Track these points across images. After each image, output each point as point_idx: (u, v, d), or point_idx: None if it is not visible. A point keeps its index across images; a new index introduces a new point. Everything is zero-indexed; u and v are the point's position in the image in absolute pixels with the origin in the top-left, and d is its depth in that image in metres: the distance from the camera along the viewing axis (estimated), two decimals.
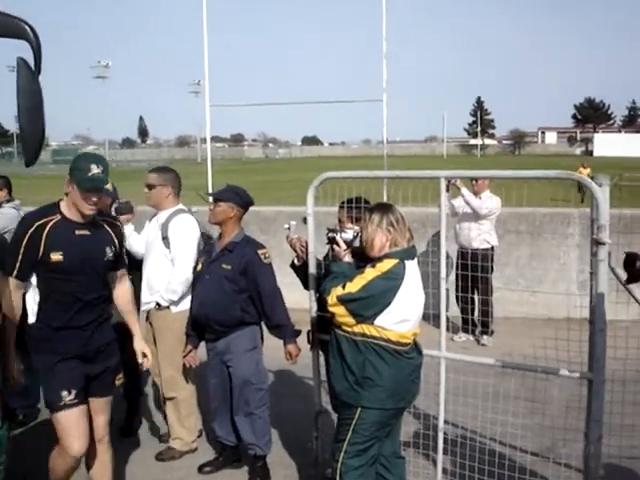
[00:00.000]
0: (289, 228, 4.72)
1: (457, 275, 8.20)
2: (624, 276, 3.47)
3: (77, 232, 3.97)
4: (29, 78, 3.31)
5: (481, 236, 8.38)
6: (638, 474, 4.75)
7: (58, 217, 3.95)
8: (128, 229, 5.52)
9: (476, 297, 8.37)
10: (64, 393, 3.94)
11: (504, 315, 8.78)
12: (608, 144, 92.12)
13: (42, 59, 3.40)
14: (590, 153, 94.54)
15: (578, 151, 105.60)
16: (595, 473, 3.84)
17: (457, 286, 8.02)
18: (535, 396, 5.04)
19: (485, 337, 8.47)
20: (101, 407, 4.22)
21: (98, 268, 4.10)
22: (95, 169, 3.87)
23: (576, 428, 4.43)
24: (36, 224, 3.90)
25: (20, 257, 3.90)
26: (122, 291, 4.42)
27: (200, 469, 5.14)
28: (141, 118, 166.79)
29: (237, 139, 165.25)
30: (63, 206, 4.00)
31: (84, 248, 3.98)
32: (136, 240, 5.61)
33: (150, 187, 5.33)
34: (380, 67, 10.44)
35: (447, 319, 4.44)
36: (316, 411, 4.77)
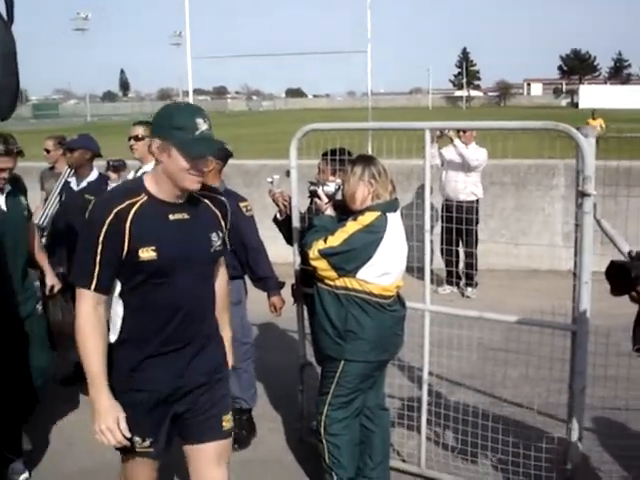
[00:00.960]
0: (272, 182, 4.65)
1: (442, 227, 8.19)
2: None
3: (172, 217, 2.87)
4: (1, 27, 3.20)
5: (468, 188, 8.34)
6: (620, 424, 4.81)
7: (144, 198, 2.83)
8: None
9: (461, 249, 8.37)
10: (136, 439, 2.91)
11: (488, 267, 8.79)
12: (594, 96, 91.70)
13: (14, 7, 3.28)
14: (576, 105, 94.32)
15: (564, 103, 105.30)
16: (579, 423, 3.87)
17: (442, 239, 8.02)
18: (519, 348, 5.05)
19: (469, 289, 8.50)
20: (209, 457, 3.09)
21: (204, 264, 3.03)
22: (203, 125, 2.80)
23: (560, 379, 4.46)
24: (115, 210, 2.75)
25: (97, 259, 2.74)
26: (217, 284, 3.26)
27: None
28: (122, 71, 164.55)
29: (220, 91, 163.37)
30: (149, 182, 2.88)
31: (184, 238, 2.89)
32: None
33: (137, 139, 5.31)
34: (365, 17, 10.28)
35: (431, 272, 4.41)
36: (300, 364, 4.77)
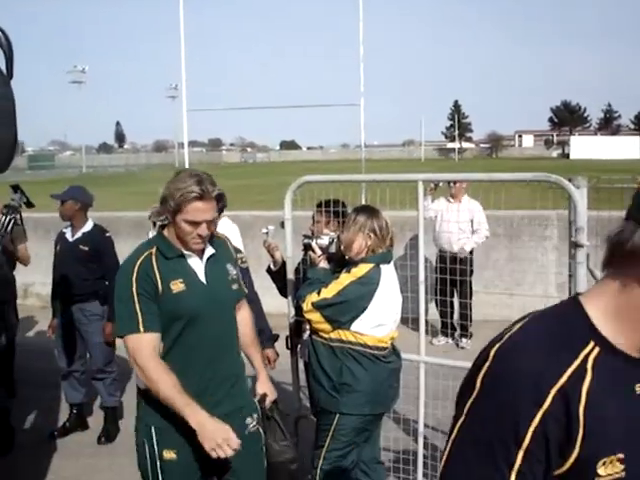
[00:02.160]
0: (267, 232, 4.67)
1: (436, 279, 8.20)
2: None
3: None
4: (0, 82, 3.23)
5: (461, 240, 8.39)
6: None
7: None
8: None
9: (455, 300, 8.36)
10: None
11: (483, 318, 8.77)
12: (584, 147, 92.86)
13: (14, 63, 3.32)
14: (567, 156, 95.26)
15: (555, 154, 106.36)
16: None
17: (436, 290, 8.02)
18: None
19: (464, 340, 8.47)
20: None
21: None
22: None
23: None
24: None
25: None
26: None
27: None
28: (118, 123, 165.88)
29: (215, 144, 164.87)
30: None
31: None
32: None
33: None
34: (358, 71, 10.42)
35: (426, 322, 4.40)
36: (295, 417, 4.72)
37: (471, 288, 8.41)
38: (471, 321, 8.42)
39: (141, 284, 2.91)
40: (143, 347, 2.89)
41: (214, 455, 2.79)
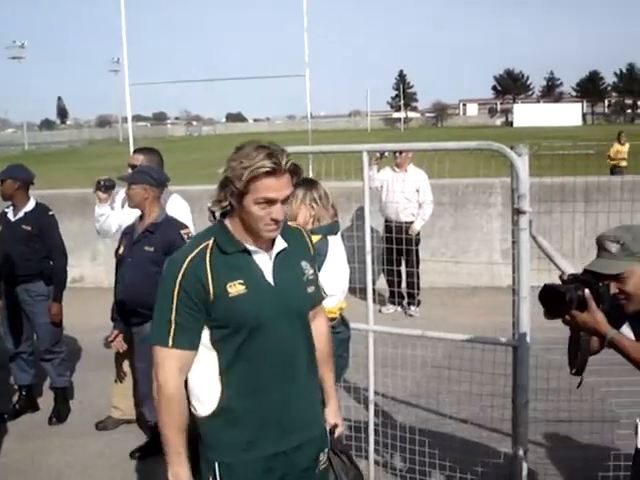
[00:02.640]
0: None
1: (383, 249, 8.27)
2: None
3: None
4: None
5: (408, 210, 8.45)
6: (564, 435, 4.89)
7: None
8: (104, 209, 5.57)
9: (403, 269, 8.45)
10: None
11: (430, 286, 8.89)
12: (527, 114, 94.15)
13: None
14: (510, 124, 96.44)
15: (499, 122, 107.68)
16: (523, 437, 3.92)
17: (383, 259, 8.09)
18: (462, 365, 5.11)
19: (412, 308, 8.58)
20: None
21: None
22: None
23: (503, 394, 4.52)
24: None
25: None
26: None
27: (131, 455, 5.05)
28: (59, 98, 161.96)
29: (159, 117, 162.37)
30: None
31: None
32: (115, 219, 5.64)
33: (134, 167, 5.28)
34: (302, 41, 10.38)
35: (374, 292, 4.44)
36: None
37: (418, 257, 8.52)
38: (419, 289, 8.53)
39: (186, 288, 2.44)
40: (166, 364, 2.48)
41: None
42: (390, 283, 8.42)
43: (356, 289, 4.53)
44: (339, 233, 3.98)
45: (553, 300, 2.62)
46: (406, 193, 8.44)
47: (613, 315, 2.75)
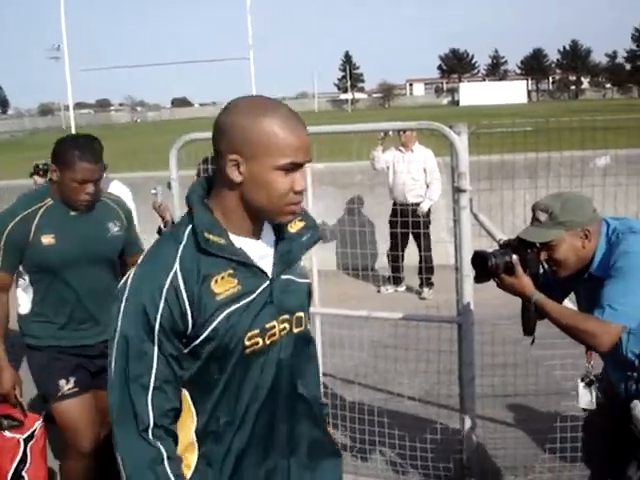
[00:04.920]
0: (156, 193, 4.60)
1: (391, 233, 8.27)
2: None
3: None
4: None
5: (414, 191, 8.33)
6: (512, 409, 4.98)
7: None
8: None
9: (406, 251, 8.43)
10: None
11: (378, 265, 8.94)
12: (473, 93, 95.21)
13: None
14: (457, 103, 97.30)
15: (445, 101, 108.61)
16: (471, 412, 3.98)
17: (392, 242, 8.20)
18: (409, 343, 5.16)
19: (426, 290, 8.37)
20: None
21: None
22: None
23: (450, 371, 4.59)
24: None
25: None
26: None
27: None
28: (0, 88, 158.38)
29: (103, 104, 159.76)
30: None
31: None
32: None
33: None
34: (245, 23, 10.28)
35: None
36: None
37: (429, 239, 8.39)
38: (432, 272, 8.34)
39: None
40: None
41: None
42: (394, 265, 8.29)
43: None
44: None
45: (481, 265, 2.79)
46: (413, 173, 8.30)
47: (556, 286, 2.94)
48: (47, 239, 3.25)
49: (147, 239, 4.79)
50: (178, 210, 4.44)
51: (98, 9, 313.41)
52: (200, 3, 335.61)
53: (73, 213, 3.35)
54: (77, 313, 3.39)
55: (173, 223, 4.51)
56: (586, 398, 3.07)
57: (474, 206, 3.95)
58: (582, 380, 3.08)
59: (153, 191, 4.64)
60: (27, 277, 3.38)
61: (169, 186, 4.49)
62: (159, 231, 4.67)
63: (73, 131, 11.22)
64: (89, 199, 3.30)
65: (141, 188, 9.45)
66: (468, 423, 3.98)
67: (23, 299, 3.42)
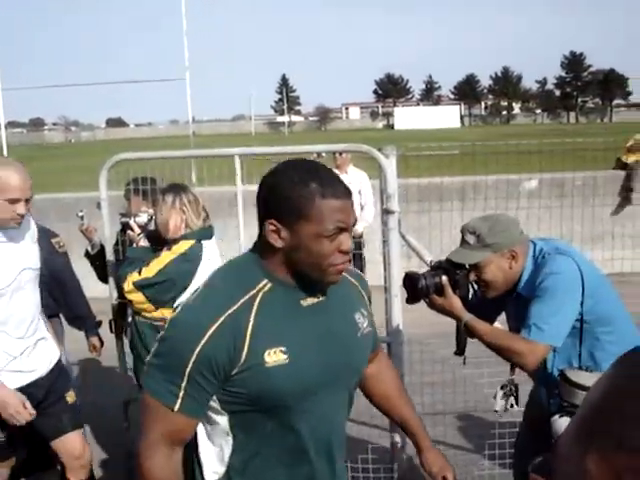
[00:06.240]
0: (82, 216, 4.55)
1: None
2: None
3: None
4: None
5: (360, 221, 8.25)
6: (441, 427, 5.03)
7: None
8: None
9: None
10: None
11: None
12: (408, 117, 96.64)
13: None
14: (392, 127, 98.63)
15: (380, 125, 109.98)
16: (401, 431, 4.01)
17: None
18: None
19: None
20: None
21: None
22: None
23: None
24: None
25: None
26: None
27: None
28: None
29: (36, 123, 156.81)
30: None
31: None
32: None
33: None
34: (182, 45, 10.28)
35: None
36: (124, 401, 4.64)
37: (363, 261, 8.25)
38: None
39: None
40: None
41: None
42: None
43: None
44: (213, 237, 3.96)
45: (412, 286, 2.84)
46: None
47: (488, 305, 3.02)
48: None
49: (75, 261, 4.75)
50: (107, 230, 4.40)
51: (35, 26, 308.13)
52: (137, 24, 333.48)
53: None
54: None
55: (101, 245, 4.47)
56: (501, 403, 3.24)
57: (402, 227, 4.02)
58: (502, 388, 3.23)
59: (80, 213, 4.59)
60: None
61: (98, 206, 4.45)
62: (87, 254, 4.61)
63: (4, 151, 11.00)
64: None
65: (72, 208, 9.34)
66: (399, 441, 4.02)
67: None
